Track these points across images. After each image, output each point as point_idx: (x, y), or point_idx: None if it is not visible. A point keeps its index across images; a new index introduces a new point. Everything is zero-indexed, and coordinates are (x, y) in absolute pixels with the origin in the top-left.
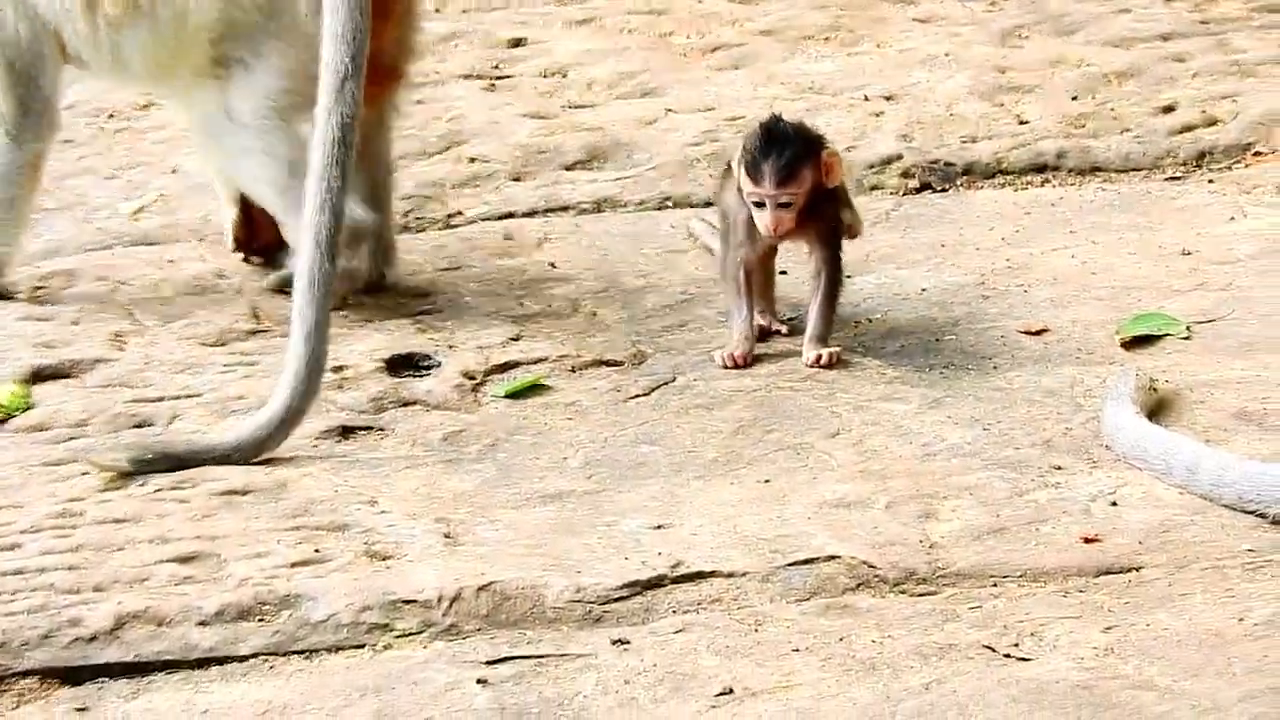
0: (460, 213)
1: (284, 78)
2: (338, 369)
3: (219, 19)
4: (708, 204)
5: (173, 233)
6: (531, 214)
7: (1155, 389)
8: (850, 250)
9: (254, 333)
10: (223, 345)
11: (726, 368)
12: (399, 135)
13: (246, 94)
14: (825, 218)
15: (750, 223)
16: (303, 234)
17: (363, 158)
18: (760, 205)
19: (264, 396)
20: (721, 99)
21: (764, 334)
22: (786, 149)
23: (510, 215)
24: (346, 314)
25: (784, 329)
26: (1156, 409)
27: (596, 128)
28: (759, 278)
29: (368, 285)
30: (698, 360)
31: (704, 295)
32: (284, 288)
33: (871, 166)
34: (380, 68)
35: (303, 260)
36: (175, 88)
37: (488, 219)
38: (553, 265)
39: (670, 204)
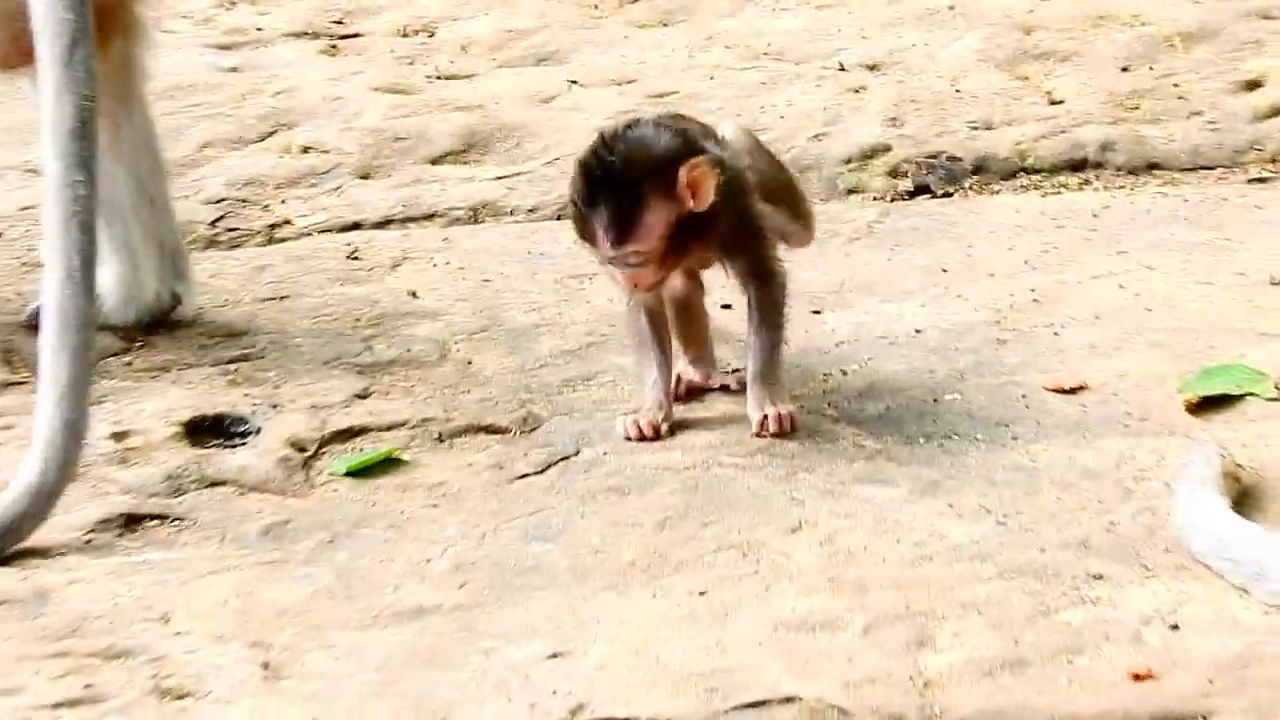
0: (288, 221)
1: None
2: (119, 435)
3: None
4: None
5: None
6: (385, 224)
7: (1238, 469)
8: (813, 271)
9: (9, 385)
10: None
11: (631, 439)
12: (151, 97)
13: None
14: (734, 234)
15: None
16: (47, 261)
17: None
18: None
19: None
20: (646, 68)
21: (696, 392)
22: (617, 194)
23: (356, 226)
24: (130, 358)
25: (730, 383)
26: (1241, 498)
27: (474, 106)
28: (677, 318)
29: (154, 316)
30: (610, 427)
31: (618, 336)
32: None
33: (848, 161)
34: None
35: (50, 295)
36: None
37: (326, 230)
38: (414, 294)
39: None
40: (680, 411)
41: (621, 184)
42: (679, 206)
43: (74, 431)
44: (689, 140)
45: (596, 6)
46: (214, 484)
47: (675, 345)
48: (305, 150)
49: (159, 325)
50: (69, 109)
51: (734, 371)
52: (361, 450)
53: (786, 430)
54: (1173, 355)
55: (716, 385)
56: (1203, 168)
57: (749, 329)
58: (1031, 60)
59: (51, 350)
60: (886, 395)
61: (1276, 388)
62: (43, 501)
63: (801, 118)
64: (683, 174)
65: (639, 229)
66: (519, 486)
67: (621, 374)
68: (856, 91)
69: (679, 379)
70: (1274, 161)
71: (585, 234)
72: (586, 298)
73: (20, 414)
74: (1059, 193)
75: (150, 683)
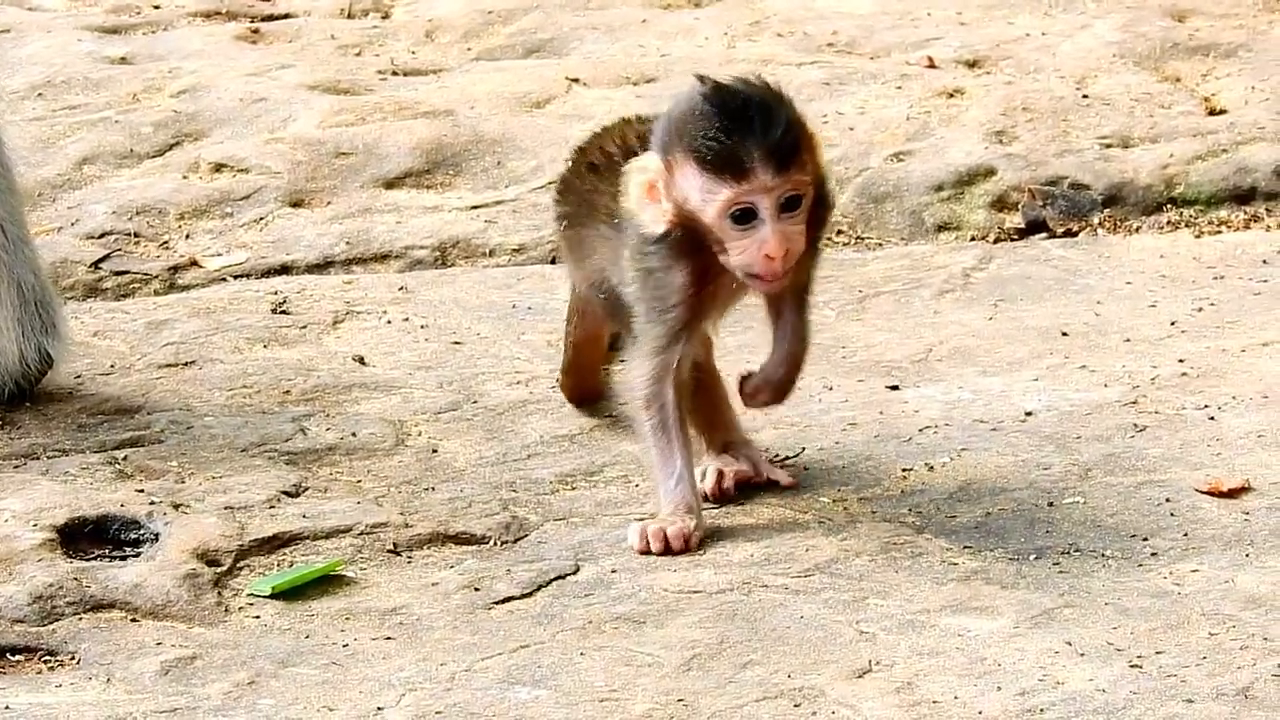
0: (194, 263)
1: None
2: None
3: None
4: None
5: None
6: (323, 267)
7: None
8: (890, 334)
9: None
10: None
11: (650, 553)
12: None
13: None
14: (813, 235)
15: (691, 286)
16: None
17: None
18: (746, 219)
19: None
20: (670, 62)
21: (726, 491)
22: (775, 119)
23: (285, 270)
24: None
25: (773, 474)
26: None
27: (441, 112)
28: (703, 393)
29: (16, 385)
30: (619, 536)
31: (629, 417)
32: None
33: (939, 189)
34: None
35: None
36: None
37: (245, 275)
38: (360, 361)
39: None
40: (712, 517)
41: (778, 109)
42: (816, 161)
43: None
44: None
45: None
46: (97, 607)
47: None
48: (217, 169)
49: (22, 397)
50: None
51: (785, 460)
52: (292, 565)
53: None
54: None
55: (753, 476)
56: None
57: (777, 346)
58: (1184, 56)
59: None
60: (986, 498)
61: None
62: None
63: (877, 130)
64: (810, 129)
65: (801, 156)
66: (499, 614)
67: (634, 467)
68: (951, 96)
69: (721, 473)
70: None
71: (732, 164)
72: None
73: None
74: (1218, 232)
75: None
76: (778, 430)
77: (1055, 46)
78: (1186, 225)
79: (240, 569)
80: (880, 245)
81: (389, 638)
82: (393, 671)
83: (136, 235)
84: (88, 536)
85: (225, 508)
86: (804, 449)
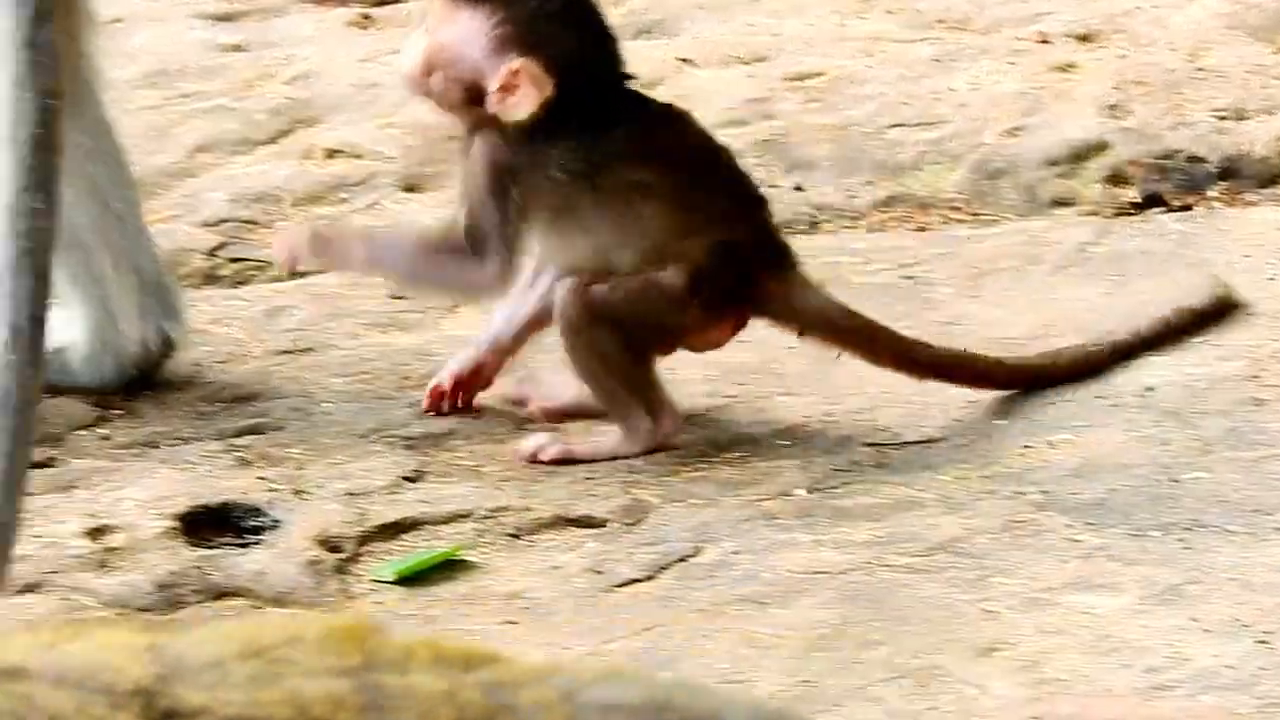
0: None
1: None
2: (95, 532)
3: None
4: None
5: None
6: None
7: None
8: (1004, 309)
9: None
10: None
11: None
12: (117, 82)
13: None
14: None
15: None
16: None
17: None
18: None
19: None
20: (782, 41)
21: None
22: None
23: None
24: (107, 430)
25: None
26: None
27: None
28: None
29: (138, 370)
30: (738, 516)
31: (751, 393)
32: None
33: (1053, 164)
34: None
35: None
36: None
37: None
38: None
39: None
40: (834, 497)
41: None
42: None
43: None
44: None
45: None
46: (221, 595)
47: None
48: (331, 155)
49: (143, 384)
50: (29, 107)
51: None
52: (414, 550)
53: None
54: None
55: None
56: None
57: None
58: None
59: None
60: (1107, 474)
61: None
62: None
63: (990, 106)
64: None
65: None
66: (621, 597)
67: (756, 446)
68: (1063, 70)
69: None
70: None
71: None
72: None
73: None
74: None
75: None
76: (898, 409)
77: (1167, 19)
78: None
79: (362, 555)
80: (995, 221)
81: (513, 622)
82: (519, 656)
83: (253, 222)
84: (209, 524)
85: (346, 494)
86: (924, 426)
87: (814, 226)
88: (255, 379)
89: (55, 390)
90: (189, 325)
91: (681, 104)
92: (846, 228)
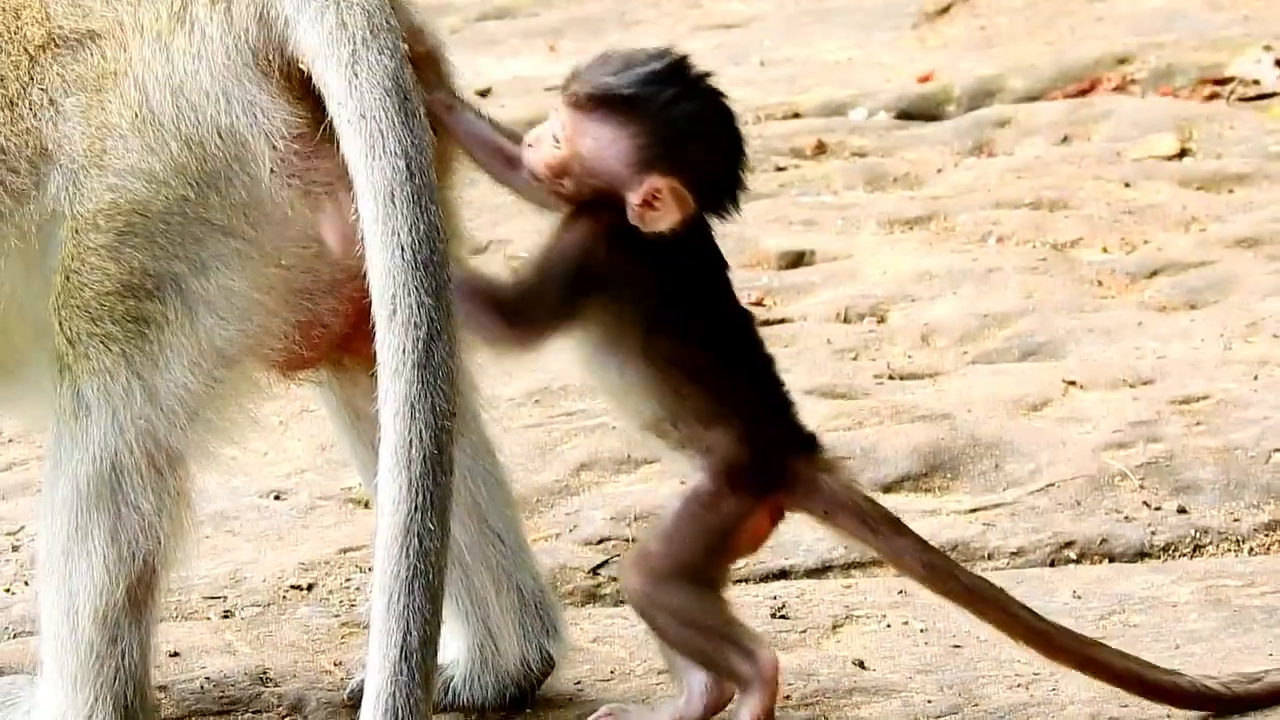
0: None
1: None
2: None
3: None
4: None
5: None
6: (822, 571)
7: None
8: None
9: None
10: None
11: None
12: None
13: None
14: None
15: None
16: (376, 632)
17: None
18: None
19: None
20: (1166, 364)
21: None
22: None
23: (784, 575)
24: None
25: None
26: None
27: (939, 416)
28: None
29: (518, 689)
30: None
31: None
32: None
33: None
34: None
35: (376, 678)
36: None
37: (744, 580)
38: (860, 665)
39: (1073, 555)
40: None
41: None
42: None
43: None
44: None
45: (1100, 283)
46: None
47: None
48: None
49: (522, 701)
50: (424, 429)
51: None
52: None
53: None
54: None
55: None
56: None
57: None
58: None
59: None
60: None
61: None
62: None
63: None
64: None
65: None
66: None
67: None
68: None
69: None
70: None
71: None
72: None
73: None
74: None
75: None
76: None
77: None
78: None
79: None
80: None
81: None
82: None
83: (634, 541)
84: None
85: None
86: None
87: (1197, 550)
88: (638, 698)
89: (435, 709)
90: (570, 643)
91: (1064, 426)
92: (1230, 550)
